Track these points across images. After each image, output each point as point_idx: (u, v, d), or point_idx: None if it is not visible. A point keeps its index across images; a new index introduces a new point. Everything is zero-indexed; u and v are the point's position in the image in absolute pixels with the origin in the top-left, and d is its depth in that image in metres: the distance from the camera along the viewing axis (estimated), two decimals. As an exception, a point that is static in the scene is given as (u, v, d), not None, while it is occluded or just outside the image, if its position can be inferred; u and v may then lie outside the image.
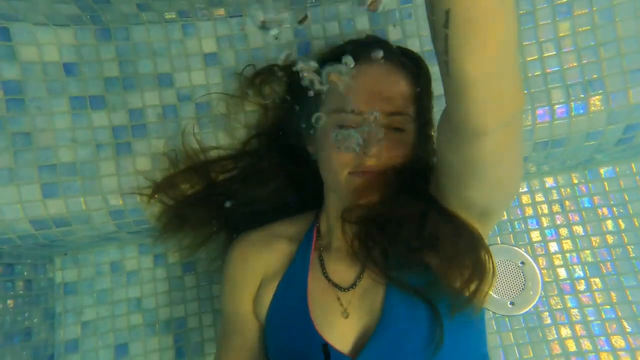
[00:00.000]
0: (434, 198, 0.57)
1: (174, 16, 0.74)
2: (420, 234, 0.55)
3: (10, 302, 0.76)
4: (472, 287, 0.55)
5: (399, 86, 0.59)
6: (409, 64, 0.62)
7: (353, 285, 0.59)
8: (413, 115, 0.60)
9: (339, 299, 0.58)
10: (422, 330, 0.53)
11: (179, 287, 0.91)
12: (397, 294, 0.55)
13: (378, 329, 0.54)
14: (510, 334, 0.88)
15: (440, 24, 0.33)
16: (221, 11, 0.75)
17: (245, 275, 0.66)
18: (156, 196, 0.72)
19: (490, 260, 0.56)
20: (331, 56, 0.62)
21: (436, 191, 0.57)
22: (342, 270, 0.61)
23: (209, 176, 0.72)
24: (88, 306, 0.88)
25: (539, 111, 0.74)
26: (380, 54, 0.58)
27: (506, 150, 0.44)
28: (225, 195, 0.72)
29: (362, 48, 0.60)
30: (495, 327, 0.88)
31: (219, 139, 0.76)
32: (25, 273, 0.81)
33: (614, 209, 0.90)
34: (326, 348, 0.48)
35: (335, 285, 0.60)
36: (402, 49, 0.67)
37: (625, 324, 0.84)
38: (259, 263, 0.66)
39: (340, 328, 0.56)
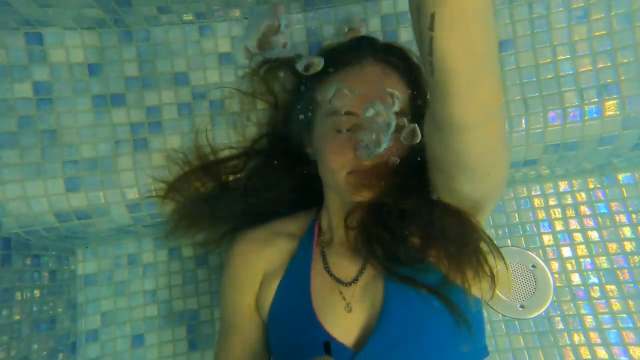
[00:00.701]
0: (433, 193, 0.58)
1: (191, 18, 0.77)
2: (421, 229, 0.57)
3: (36, 291, 0.80)
4: (476, 279, 0.56)
5: (391, 85, 0.59)
6: (400, 62, 0.62)
7: (355, 279, 0.60)
8: (408, 112, 0.60)
9: (341, 293, 0.60)
10: (426, 323, 0.55)
11: (192, 280, 0.94)
12: (398, 288, 0.56)
13: (379, 323, 0.55)
14: (520, 337, 0.87)
15: (426, 27, 0.35)
16: (237, 12, 0.78)
17: (246, 272, 0.68)
18: (169, 195, 0.74)
19: (499, 254, 0.57)
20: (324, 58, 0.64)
21: (429, 187, 0.58)
22: (344, 265, 0.62)
23: (220, 176, 0.74)
24: (107, 297, 0.91)
25: (551, 114, 0.73)
26: (369, 54, 0.59)
27: (492, 142, 0.46)
28: (236, 196, 0.73)
29: (352, 49, 0.61)
30: (504, 330, 0.88)
31: (231, 136, 0.78)
32: (50, 264, 0.85)
33: (633, 215, 0.88)
34: (328, 345, 0.49)
35: (338, 280, 0.61)
36: (393, 46, 0.67)
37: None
38: (260, 260, 0.67)
39: (344, 322, 0.57)
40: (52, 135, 0.74)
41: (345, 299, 0.59)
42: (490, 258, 0.57)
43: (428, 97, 0.51)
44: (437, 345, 0.55)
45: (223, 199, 0.74)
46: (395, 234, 0.57)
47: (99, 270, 0.93)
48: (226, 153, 0.76)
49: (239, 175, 0.75)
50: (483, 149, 0.46)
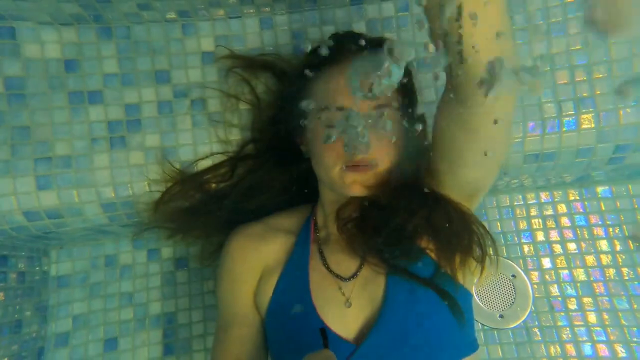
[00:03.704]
0: (427, 185, 0.58)
1: (174, 16, 0.76)
2: (415, 222, 0.57)
3: (0, 294, 0.77)
4: (465, 266, 0.57)
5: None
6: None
7: (354, 275, 0.60)
8: (397, 106, 0.60)
9: (340, 288, 0.60)
10: (426, 315, 0.55)
11: (170, 283, 0.92)
12: (398, 282, 0.56)
13: (381, 317, 0.55)
14: (499, 347, 0.87)
15: (453, 19, 0.38)
16: (220, 12, 0.77)
17: (244, 268, 0.67)
18: (157, 214, 0.74)
19: (489, 237, 0.59)
20: (312, 58, 0.65)
21: (430, 177, 0.59)
22: (343, 261, 0.62)
23: (205, 188, 0.74)
24: (80, 299, 0.89)
25: (530, 124, 0.74)
26: (354, 48, 0.59)
27: (505, 116, 0.49)
28: (225, 204, 0.72)
29: (337, 44, 0.61)
30: (483, 340, 0.87)
31: (212, 138, 0.76)
32: (20, 265, 0.82)
33: (610, 229, 0.89)
34: (324, 331, 0.49)
35: (337, 276, 0.61)
36: (378, 39, 0.66)
37: (617, 348, 0.83)
38: (258, 256, 0.67)
39: (344, 317, 0.57)
40: (25, 132, 0.72)
41: (344, 295, 0.59)
42: (482, 242, 0.58)
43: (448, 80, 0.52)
44: (437, 337, 0.55)
45: (212, 209, 0.73)
46: (389, 227, 0.57)
47: (74, 271, 0.90)
48: (209, 162, 0.75)
49: (227, 183, 0.74)
50: (495, 115, 0.48)
